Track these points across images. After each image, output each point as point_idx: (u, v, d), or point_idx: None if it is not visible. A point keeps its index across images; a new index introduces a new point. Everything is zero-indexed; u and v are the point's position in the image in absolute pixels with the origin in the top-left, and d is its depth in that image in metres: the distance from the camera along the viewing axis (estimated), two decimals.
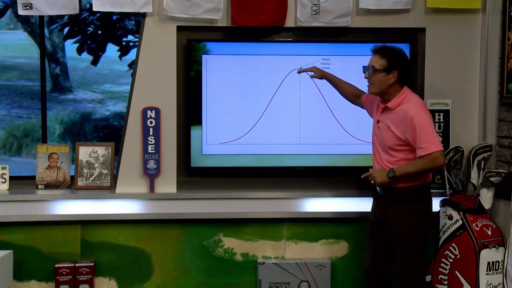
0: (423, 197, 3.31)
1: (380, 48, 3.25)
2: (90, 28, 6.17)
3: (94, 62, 6.23)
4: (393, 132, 3.19)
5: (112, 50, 6.22)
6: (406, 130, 3.14)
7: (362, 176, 3.32)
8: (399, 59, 3.24)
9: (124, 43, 6.18)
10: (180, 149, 3.99)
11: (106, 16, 5.92)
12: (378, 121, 3.31)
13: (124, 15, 5.86)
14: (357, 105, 3.64)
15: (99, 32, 6.21)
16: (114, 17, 6.06)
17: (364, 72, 3.28)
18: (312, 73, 3.61)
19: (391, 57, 3.22)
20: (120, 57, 6.20)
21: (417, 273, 3.33)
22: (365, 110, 3.60)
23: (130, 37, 6.21)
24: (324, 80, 3.65)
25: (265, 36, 4.03)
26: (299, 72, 3.69)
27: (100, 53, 6.20)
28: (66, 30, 6.20)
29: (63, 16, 5.61)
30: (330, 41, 4.03)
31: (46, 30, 5.23)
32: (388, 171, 3.17)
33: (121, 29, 6.19)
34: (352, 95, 3.63)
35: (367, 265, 3.51)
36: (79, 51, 6.19)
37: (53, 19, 5.97)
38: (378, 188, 3.35)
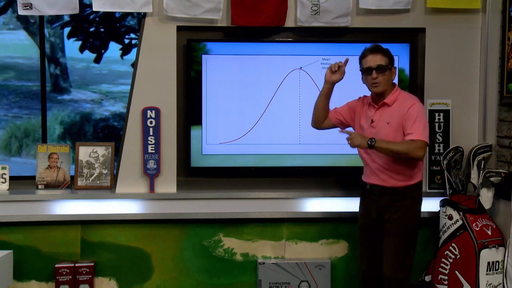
0: (417, 195, 3.36)
1: (379, 47, 3.27)
2: (92, 28, 6.17)
3: (97, 60, 6.23)
4: (393, 127, 3.21)
5: (111, 50, 6.22)
6: (403, 118, 3.18)
7: (339, 131, 3.34)
8: (392, 56, 3.30)
9: (126, 41, 6.18)
10: (180, 149, 3.99)
11: (108, 14, 5.92)
12: (372, 121, 3.30)
13: (127, 13, 5.86)
14: (320, 128, 3.55)
15: (101, 30, 6.22)
16: (117, 14, 6.05)
17: (369, 75, 3.22)
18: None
19: (389, 54, 3.28)
20: (122, 56, 6.20)
21: (409, 270, 3.35)
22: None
23: (132, 35, 6.21)
24: (324, 80, 3.64)
25: (265, 36, 4.03)
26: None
27: (103, 51, 6.20)
28: (68, 28, 6.20)
29: (63, 15, 5.62)
30: (330, 41, 4.03)
31: (46, 31, 5.22)
32: (369, 138, 3.13)
33: (124, 27, 6.19)
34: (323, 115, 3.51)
35: (363, 269, 3.48)
36: (82, 49, 6.19)
37: (55, 17, 5.97)
38: (373, 187, 3.33)
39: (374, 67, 3.21)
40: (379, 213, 3.32)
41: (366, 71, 3.25)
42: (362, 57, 3.29)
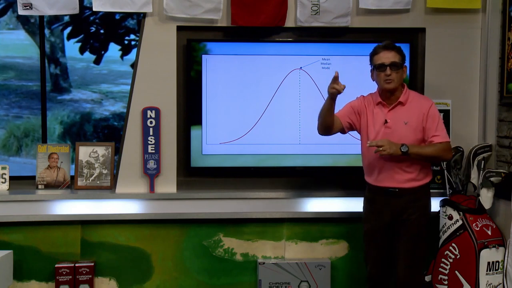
0: (429, 193, 3.39)
1: (393, 44, 3.26)
2: (92, 28, 6.18)
3: (97, 61, 6.24)
4: (412, 126, 3.21)
5: (111, 50, 6.22)
6: (424, 119, 3.21)
7: (368, 144, 3.13)
8: (404, 54, 3.30)
9: (126, 42, 6.19)
10: (180, 149, 3.99)
11: (108, 15, 5.92)
12: (386, 121, 3.25)
13: (127, 14, 5.87)
14: (331, 134, 3.36)
15: (102, 31, 6.22)
16: (117, 16, 6.06)
17: (382, 71, 3.18)
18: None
19: (402, 52, 3.28)
20: (122, 56, 6.20)
21: (422, 271, 3.39)
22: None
23: (132, 36, 6.21)
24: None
25: (265, 36, 4.02)
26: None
27: (103, 52, 6.21)
28: (68, 29, 6.20)
29: (63, 16, 5.62)
30: (330, 41, 4.03)
31: (46, 31, 5.23)
32: (402, 145, 3.09)
33: (123, 28, 6.20)
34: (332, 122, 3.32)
35: (374, 273, 3.43)
36: (82, 50, 6.19)
37: (55, 18, 5.97)
38: (389, 190, 3.26)
39: (387, 64, 3.18)
40: (395, 215, 3.29)
41: (379, 68, 3.21)
42: (374, 53, 3.26)
